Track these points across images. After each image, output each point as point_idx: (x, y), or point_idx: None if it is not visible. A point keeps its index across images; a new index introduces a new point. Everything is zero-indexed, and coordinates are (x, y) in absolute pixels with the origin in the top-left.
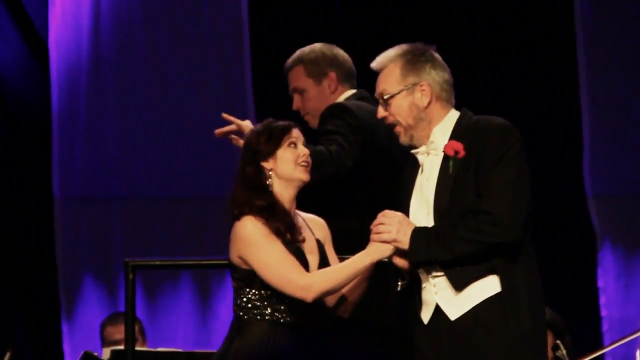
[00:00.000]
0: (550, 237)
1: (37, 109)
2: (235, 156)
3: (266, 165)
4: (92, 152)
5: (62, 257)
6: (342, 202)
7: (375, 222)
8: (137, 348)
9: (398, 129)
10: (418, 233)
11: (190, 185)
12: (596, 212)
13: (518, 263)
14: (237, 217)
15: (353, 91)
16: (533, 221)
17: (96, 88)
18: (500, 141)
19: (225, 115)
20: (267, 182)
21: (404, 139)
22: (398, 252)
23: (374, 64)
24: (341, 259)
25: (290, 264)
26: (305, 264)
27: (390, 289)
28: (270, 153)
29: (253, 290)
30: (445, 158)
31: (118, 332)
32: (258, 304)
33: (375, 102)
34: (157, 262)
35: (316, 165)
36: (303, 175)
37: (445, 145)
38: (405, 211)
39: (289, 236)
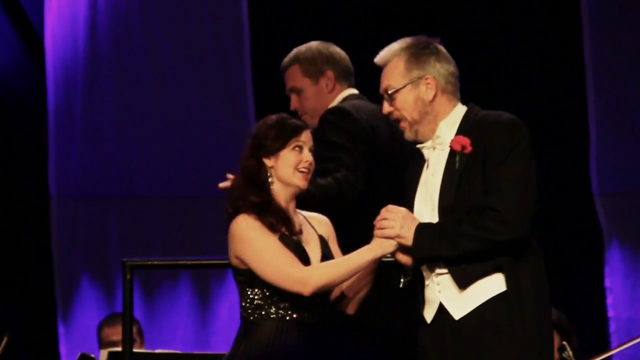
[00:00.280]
0: (557, 235)
1: (33, 105)
2: (235, 155)
3: (267, 162)
4: (89, 149)
5: (58, 257)
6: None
7: (379, 217)
8: (135, 350)
9: (403, 124)
10: (422, 229)
11: (190, 183)
12: (603, 210)
13: (524, 261)
14: (232, 216)
15: (352, 90)
16: (539, 219)
17: (93, 84)
18: (508, 137)
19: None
20: (266, 179)
21: (409, 135)
22: (401, 248)
23: (378, 59)
24: None
25: (285, 258)
26: (304, 257)
27: (391, 287)
28: (274, 151)
29: (255, 290)
30: (452, 153)
31: (115, 333)
32: (262, 303)
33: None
34: (156, 262)
35: (325, 201)
36: (300, 182)
37: (452, 140)
38: (410, 207)
39: (285, 230)
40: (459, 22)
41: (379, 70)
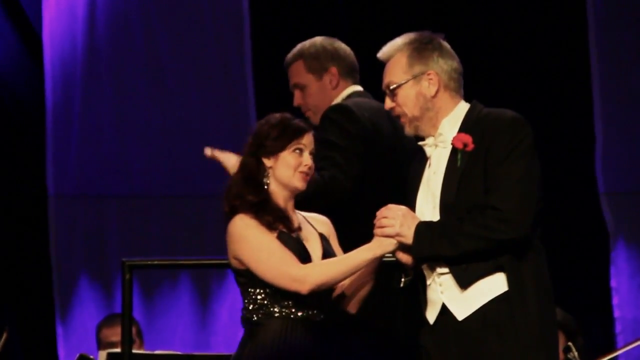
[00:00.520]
0: (562, 235)
1: (31, 103)
2: (235, 153)
3: (267, 162)
4: (88, 147)
5: (57, 257)
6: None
7: (379, 215)
8: (134, 351)
9: (403, 119)
10: (422, 227)
11: (190, 182)
12: (609, 209)
13: (526, 261)
14: (229, 216)
15: (356, 87)
16: (544, 219)
17: (92, 82)
18: (510, 135)
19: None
20: (264, 179)
21: (408, 130)
22: (402, 247)
23: (380, 54)
24: None
25: (282, 256)
26: (305, 254)
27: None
28: (274, 152)
29: (258, 290)
30: (454, 151)
31: (114, 334)
32: (265, 302)
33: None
34: (155, 262)
35: (308, 198)
36: (299, 185)
37: (454, 138)
38: (412, 205)
39: (283, 228)
40: (462, 18)
41: (381, 66)
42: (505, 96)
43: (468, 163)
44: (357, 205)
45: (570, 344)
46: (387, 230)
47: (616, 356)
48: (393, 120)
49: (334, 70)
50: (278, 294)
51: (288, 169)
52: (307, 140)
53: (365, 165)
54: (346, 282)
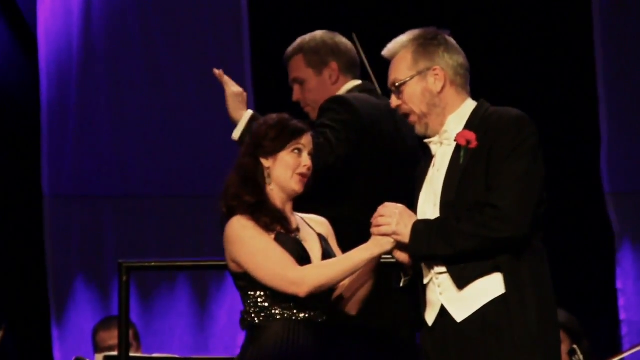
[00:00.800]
0: (567, 236)
1: (25, 102)
2: (233, 153)
3: (265, 162)
4: (83, 147)
5: (52, 258)
6: (341, 200)
7: (375, 214)
8: (131, 354)
9: (412, 118)
10: (419, 226)
11: (187, 183)
12: (615, 209)
13: (524, 261)
14: (227, 217)
15: (356, 82)
16: (548, 219)
17: (87, 80)
18: (514, 133)
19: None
20: (262, 179)
21: (419, 129)
22: (400, 246)
23: (385, 52)
24: None
25: (279, 258)
26: (304, 255)
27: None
28: (273, 152)
29: (258, 292)
30: (457, 148)
31: (111, 337)
32: (266, 304)
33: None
34: (153, 264)
35: None
36: (297, 187)
37: (457, 135)
38: (416, 204)
39: (281, 229)
40: (468, 17)
41: (385, 63)
42: (510, 96)
43: (470, 160)
44: (356, 205)
45: (575, 346)
46: (383, 229)
47: (622, 358)
48: (397, 119)
49: (334, 65)
50: (279, 295)
51: (286, 170)
52: (306, 140)
53: (358, 156)
54: (346, 282)
